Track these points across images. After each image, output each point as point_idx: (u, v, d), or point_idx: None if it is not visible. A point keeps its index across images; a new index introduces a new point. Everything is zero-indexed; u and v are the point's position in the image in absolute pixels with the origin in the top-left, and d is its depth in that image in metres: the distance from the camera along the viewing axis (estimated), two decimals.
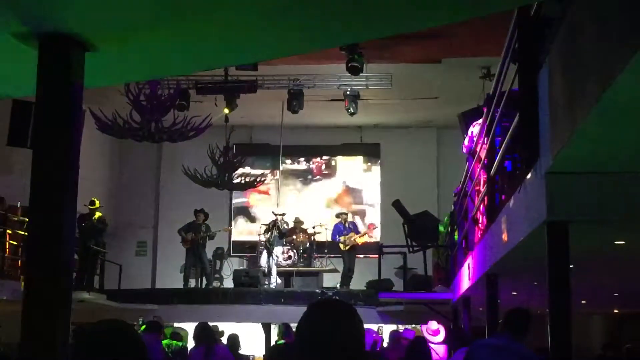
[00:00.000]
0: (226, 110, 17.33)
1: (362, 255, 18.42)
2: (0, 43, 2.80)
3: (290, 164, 21.74)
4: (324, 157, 22.02)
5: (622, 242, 5.87)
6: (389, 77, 17.01)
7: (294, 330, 2.26)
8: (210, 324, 14.50)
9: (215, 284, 18.62)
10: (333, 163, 22.18)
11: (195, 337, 9.19)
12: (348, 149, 21.86)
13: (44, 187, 2.76)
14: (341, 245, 17.71)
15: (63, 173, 2.76)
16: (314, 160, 22.01)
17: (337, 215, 18.47)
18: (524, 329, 6.15)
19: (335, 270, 18.28)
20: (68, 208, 2.77)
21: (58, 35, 2.69)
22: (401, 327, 16.36)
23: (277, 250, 17.63)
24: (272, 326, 16.98)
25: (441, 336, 11.61)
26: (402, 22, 2.83)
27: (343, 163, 22.16)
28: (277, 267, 17.67)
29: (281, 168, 21.23)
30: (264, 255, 17.85)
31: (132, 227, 21.21)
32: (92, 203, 15.67)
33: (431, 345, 10.58)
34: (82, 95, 2.84)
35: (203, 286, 18.00)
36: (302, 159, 21.78)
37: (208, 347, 8.81)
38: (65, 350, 2.73)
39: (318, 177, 22.09)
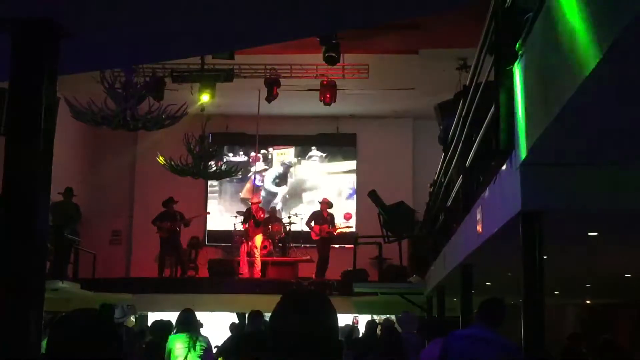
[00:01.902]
0: (206, 99, 17.26)
1: (337, 246, 18.46)
2: None
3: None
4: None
5: (596, 234, 5.92)
6: (366, 67, 17.02)
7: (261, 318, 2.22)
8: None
9: (191, 273, 18.58)
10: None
11: (178, 323, 9.02)
12: (324, 139, 21.87)
13: (17, 175, 2.74)
14: (313, 234, 17.74)
15: (37, 161, 2.74)
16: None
17: (321, 203, 18.42)
18: (500, 318, 6.20)
19: (310, 260, 18.30)
20: (41, 196, 2.75)
21: (32, 21, 2.67)
22: (376, 317, 16.44)
23: (257, 239, 17.56)
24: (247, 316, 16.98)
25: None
26: (381, 12, 2.84)
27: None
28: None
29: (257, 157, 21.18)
30: (245, 246, 17.76)
31: (106, 215, 21.09)
32: (67, 191, 15.56)
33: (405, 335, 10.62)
34: (57, 82, 2.82)
35: (178, 275, 17.96)
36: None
37: (193, 334, 8.69)
38: (38, 339, 2.71)
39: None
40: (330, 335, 2.14)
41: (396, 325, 11.84)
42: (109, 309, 8.16)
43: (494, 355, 5.99)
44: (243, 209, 19.44)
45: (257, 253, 17.50)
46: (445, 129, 9.85)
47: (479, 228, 6.02)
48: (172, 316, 9.81)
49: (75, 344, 2.51)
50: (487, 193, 5.67)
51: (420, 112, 19.44)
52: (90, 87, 14.17)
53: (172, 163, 16.62)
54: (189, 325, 8.80)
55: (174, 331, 9.09)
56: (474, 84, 6.83)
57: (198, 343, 8.64)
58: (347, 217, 18.87)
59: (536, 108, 3.84)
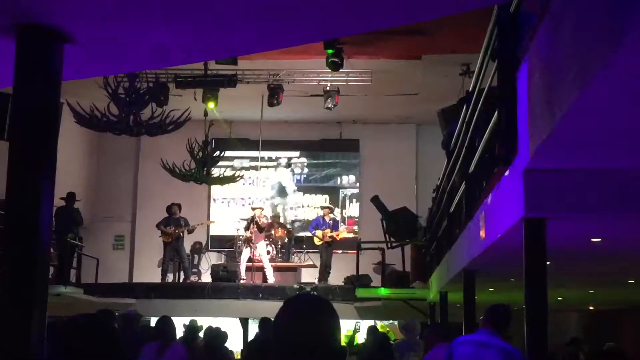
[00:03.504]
0: (210, 106, 17.31)
1: (340, 251, 18.44)
2: None
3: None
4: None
5: (599, 240, 5.92)
6: (369, 72, 17.03)
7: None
8: (189, 318, 14.55)
9: (193, 278, 18.57)
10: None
11: (154, 332, 9.00)
12: (327, 145, 21.88)
13: (20, 180, 2.74)
14: (316, 239, 17.71)
15: (40, 166, 2.74)
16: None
17: (322, 208, 18.42)
18: (505, 324, 6.21)
19: (313, 266, 18.30)
20: (45, 201, 2.75)
21: (36, 26, 2.67)
22: (379, 323, 16.43)
23: (261, 245, 17.54)
24: (250, 321, 16.98)
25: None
26: (383, 17, 2.84)
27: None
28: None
29: (259, 163, 21.18)
30: (246, 252, 17.71)
31: (109, 220, 21.11)
32: (69, 196, 15.57)
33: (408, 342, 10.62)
34: (60, 87, 2.82)
35: (181, 280, 17.96)
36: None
37: (163, 343, 8.67)
38: (40, 345, 2.71)
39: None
40: (332, 341, 2.14)
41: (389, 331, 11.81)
42: (108, 314, 8.16)
43: None
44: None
45: (266, 258, 17.48)
46: (449, 135, 9.85)
47: (482, 234, 6.02)
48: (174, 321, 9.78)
49: (76, 347, 2.51)
50: (490, 199, 5.67)
51: (424, 117, 19.47)
52: (94, 92, 14.20)
53: (176, 168, 16.65)
54: (162, 333, 8.80)
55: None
56: (477, 90, 6.84)
57: (167, 350, 8.63)
58: (350, 223, 18.88)
59: (539, 114, 3.84)
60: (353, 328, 17.19)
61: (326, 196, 21.57)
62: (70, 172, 17.98)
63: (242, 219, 19.25)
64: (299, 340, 2.09)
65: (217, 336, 10.61)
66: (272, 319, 2.07)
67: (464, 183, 7.64)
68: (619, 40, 2.45)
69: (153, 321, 15.60)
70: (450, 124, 10.37)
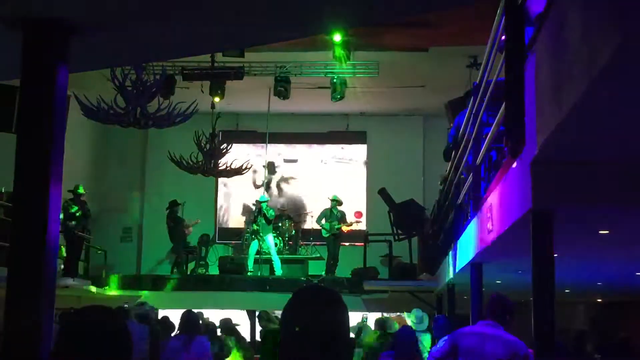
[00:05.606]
0: (217, 99, 17.32)
1: (347, 243, 18.44)
2: None
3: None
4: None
5: (606, 232, 5.90)
6: (376, 65, 16.99)
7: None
8: (199, 311, 14.60)
9: (201, 270, 18.61)
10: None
11: (179, 325, 9.11)
12: (334, 137, 21.85)
13: (28, 172, 2.75)
14: (323, 232, 17.70)
15: (48, 158, 2.75)
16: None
17: (331, 200, 18.41)
18: (507, 315, 6.21)
19: (320, 258, 18.30)
20: (52, 193, 2.75)
21: (43, 19, 2.67)
22: (386, 315, 16.43)
23: (269, 238, 17.54)
24: (257, 313, 17.01)
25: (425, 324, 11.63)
26: (393, 9, 2.83)
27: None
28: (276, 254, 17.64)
29: (267, 155, 21.17)
30: (255, 244, 17.70)
31: (117, 213, 21.13)
32: (77, 189, 15.61)
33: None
34: (67, 80, 2.82)
35: (188, 273, 18.00)
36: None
37: (188, 337, 8.74)
38: (49, 336, 2.72)
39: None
40: (341, 333, 2.14)
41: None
42: (123, 311, 8.27)
43: (501, 352, 6.00)
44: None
45: (274, 250, 17.48)
46: (456, 127, 9.83)
47: (489, 226, 6.01)
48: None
49: (85, 340, 2.51)
50: (497, 191, 5.66)
51: (431, 109, 19.43)
52: (100, 84, 14.19)
53: (183, 161, 16.66)
54: (187, 327, 8.89)
55: (177, 332, 9.21)
56: (484, 82, 6.82)
57: (193, 343, 8.70)
58: (358, 215, 18.84)
59: (547, 105, 3.83)
60: (360, 320, 17.20)
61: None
62: (78, 164, 18.00)
63: (250, 211, 19.26)
64: (309, 331, 2.09)
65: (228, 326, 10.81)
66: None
67: (471, 175, 7.63)
68: (626, 31, 2.44)
69: (160, 314, 15.71)
70: (457, 116, 10.34)
